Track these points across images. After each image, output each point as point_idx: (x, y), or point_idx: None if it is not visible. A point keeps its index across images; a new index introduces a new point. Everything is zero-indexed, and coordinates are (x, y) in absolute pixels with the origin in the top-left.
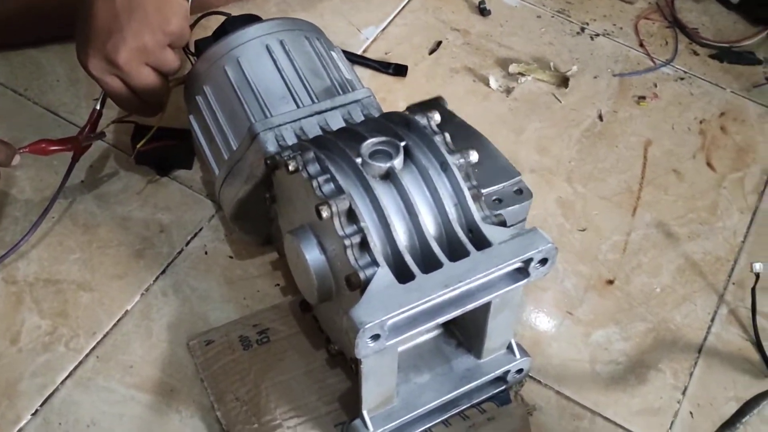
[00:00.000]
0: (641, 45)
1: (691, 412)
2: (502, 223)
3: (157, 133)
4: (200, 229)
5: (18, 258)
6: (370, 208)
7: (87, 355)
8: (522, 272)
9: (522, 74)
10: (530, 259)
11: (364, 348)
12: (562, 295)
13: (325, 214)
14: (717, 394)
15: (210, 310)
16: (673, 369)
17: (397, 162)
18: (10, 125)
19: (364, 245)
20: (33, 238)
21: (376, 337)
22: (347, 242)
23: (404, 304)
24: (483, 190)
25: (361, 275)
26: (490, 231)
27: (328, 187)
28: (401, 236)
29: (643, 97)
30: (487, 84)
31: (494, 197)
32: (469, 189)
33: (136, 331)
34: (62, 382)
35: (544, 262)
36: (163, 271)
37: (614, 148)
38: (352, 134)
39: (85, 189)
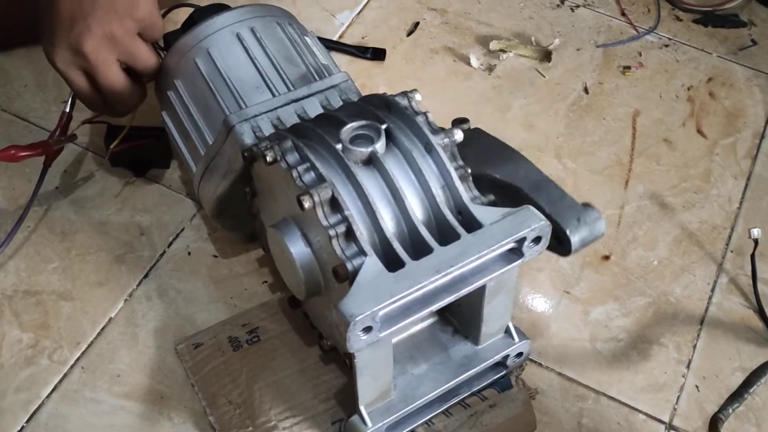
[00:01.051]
0: (623, 14)
1: (696, 386)
2: (493, 204)
3: (131, 133)
4: (182, 230)
5: None
6: (353, 195)
7: (72, 367)
8: (516, 252)
9: (503, 51)
10: (523, 239)
11: (357, 341)
12: (558, 274)
13: (307, 204)
14: (722, 366)
15: (197, 312)
16: (675, 342)
17: (379, 146)
18: None
19: (349, 234)
20: (8, 249)
21: (368, 330)
22: (332, 232)
23: (395, 293)
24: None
25: (349, 266)
26: (480, 212)
27: (308, 176)
28: (388, 223)
29: (628, 67)
30: (468, 63)
31: None
32: (456, 169)
33: (121, 338)
34: (48, 396)
35: (537, 240)
36: (146, 275)
37: (602, 121)
38: (330, 120)
39: (61, 195)
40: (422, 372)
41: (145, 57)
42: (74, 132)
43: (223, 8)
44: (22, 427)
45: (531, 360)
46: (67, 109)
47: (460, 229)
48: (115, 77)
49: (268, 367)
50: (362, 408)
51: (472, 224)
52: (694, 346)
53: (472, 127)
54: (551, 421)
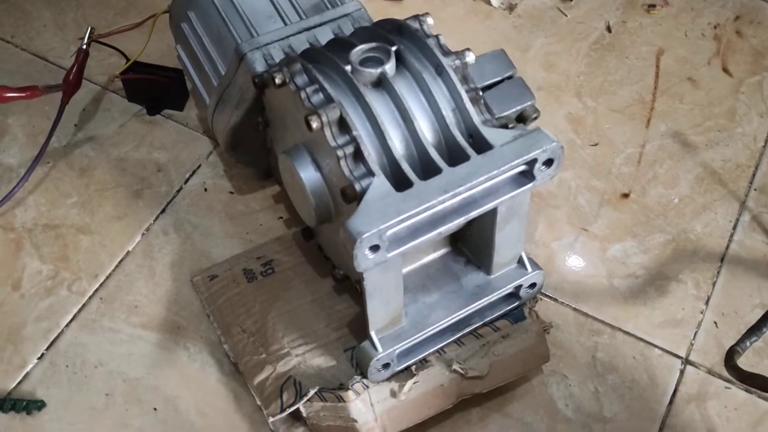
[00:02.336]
0: None
1: (715, 322)
2: (504, 126)
3: (148, 69)
4: (198, 167)
5: (15, 205)
6: (362, 116)
7: (90, 298)
8: (527, 175)
9: None
10: (534, 160)
11: (364, 260)
12: (576, 211)
13: (314, 124)
14: (742, 302)
15: (212, 246)
16: (694, 279)
17: (389, 67)
18: None
19: (358, 155)
20: (28, 184)
21: (375, 248)
22: (340, 153)
23: (402, 212)
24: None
25: (357, 186)
26: (491, 134)
27: (317, 98)
28: (397, 144)
29: (653, 5)
30: (489, 2)
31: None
32: (467, 92)
33: (138, 271)
34: (67, 325)
35: (549, 163)
36: (163, 210)
37: (624, 60)
38: (341, 44)
39: (79, 132)
40: (434, 300)
41: None
42: (59, 83)
43: None
44: (42, 354)
45: (546, 295)
46: (84, 46)
47: (469, 151)
48: None
49: (281, 297)
50: (373, 333)
51: (482, 146)
52: (714, 283)
53: None
54: (565, 354)
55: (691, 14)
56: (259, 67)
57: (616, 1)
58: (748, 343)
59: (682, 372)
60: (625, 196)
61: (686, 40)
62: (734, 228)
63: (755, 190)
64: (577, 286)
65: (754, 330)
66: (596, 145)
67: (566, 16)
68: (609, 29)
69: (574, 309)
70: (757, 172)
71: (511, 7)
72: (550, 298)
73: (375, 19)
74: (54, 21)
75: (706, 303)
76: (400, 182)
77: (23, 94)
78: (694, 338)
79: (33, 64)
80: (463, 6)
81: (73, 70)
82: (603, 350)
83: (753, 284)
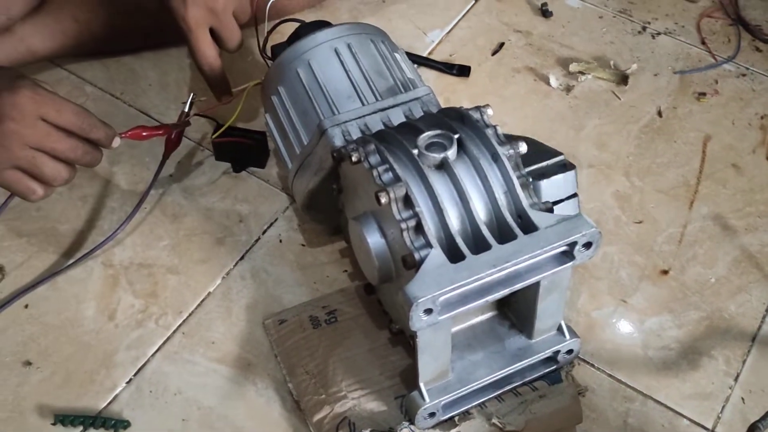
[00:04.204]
0: (703, 43)
1: (742, 398)
2: (550, 210)
3: (236, 132)
4: (276, 220)
5: (115, 244)
6: (425, 194)
7: (174, 332)
8: (568, 255)
9: (582, 73)
10: (575, 243)
11: (418, 321)
12: (617, 284)
13: (383, 200)
14: None
15: (284, 293)
16: (725, 356)
17: (451, 153)
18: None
19: (419, 228)
20: (128, 227)
21: (428, 311)
22: (404, 225)
23: (455, 282)
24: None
25: (416, 255)
26: (537, 216)
27: (387, 176)
28: (453, 221)
29: (704, 94)
30: (548, 83)
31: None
32: (518, 178)
33: (217, 310)
34: (153, 355)
35: (588, 245)
36: (242, 257)
37: (673, 143)
38: (410, 128)
39: (174, 182)
40: (478, 359)
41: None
42: (189, 119)
43: (324, 25)
44: (130, 380)
45: (584, 360)
46: (186, 109)
47: (517, 230)
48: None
49: (342, 344)
50: (422, 385)
51: (529, 227)
52: (744, 361)
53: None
54: (599, 417)
55: (740, 104)
56: (338, 141)
57: (668, 88)
58: None
59: None
60: (665, 272)
61: (733, 128)
62: (767, 311)
63: None
64: (613, 354)
65: None
66: (640, 222)
67: (620, 99)
68: (660, 114)
69: (609, 375)
70: None
71: (568, 89)
72: (588, 363)
73: (443, 96)
74: (158, 81)
75: (735, 379)
76: (455, 255)
77: (159, 132)
78: (721, 412)
79: (138, 119)
80: (524, 85)
81: (175, 132)
82: (634, 416)
83: None
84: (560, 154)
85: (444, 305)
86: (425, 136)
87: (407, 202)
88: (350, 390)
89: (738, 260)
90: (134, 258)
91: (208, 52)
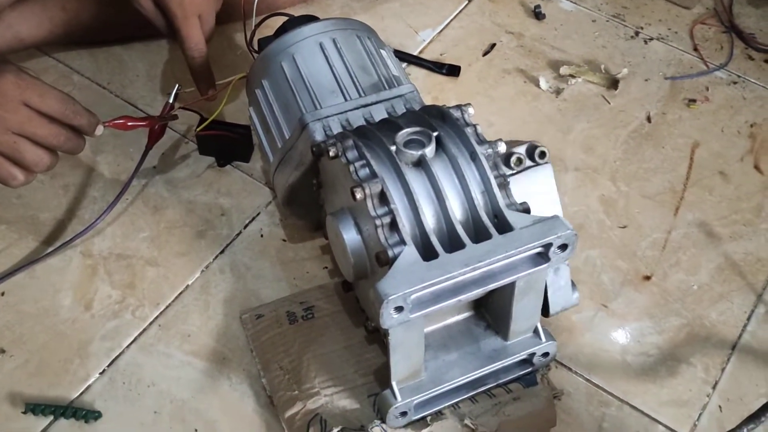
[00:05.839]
0: (695, 49)
1: (720, 406)
2: (527, 211)
3: (220, 126)
4: (258, 214)
5: (95, 234)
6: (401, 191)
7: (150, 323)
8: (543, 257)
9: (572, 76)
10: (550, 244)
11: (389, 318)
12: (598, 288)
13: (358, 195)
14: (748, 390)
15: (262, 287)
16: (704, 364)
17: (429, 150)
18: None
19: (393, 225)
20: (108, 217)
21: (399, 309)
22: (378, 222)
23: (426, 280)
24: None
25: (390, 253)
26: (513, 217)
27: (363, 172)
28: (429, 219)
29: (694, 100)
30: (538, 85)
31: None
32: (496, 177)
33: (195, 304)
34: (128, 346)
35: (564, 247)
36: (222, 251)
37: (660, 149)
38: (390, 125)
39: (157, 174)
40: (453, 359)
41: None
42: (175, 112)
43: (311, 19)
44: (104, 370)
45: (561, 364)
46: (171, 100)
47: (492, 230)
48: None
49: (317, 341)
50: (394, 383)
51: (504, 227)
52: (723, 369)
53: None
54: (573, 421)
55: (730, 111)
56: (319, 136)
57: (659, 94)
58: (745, 430)
59: None
60: (647, 278)
61: (722, 135)
62: (748, 319)
63: None
64: (591, 359)
65: (752, 418)
66: (625, 227)
67: (609, 103)
68: (649, 119)
69: (587, 380)
70: None
71: (558, 92)
72: (565, 367)
73: (431, 95)
74: (146, 72)
75: (714, 387)
76: (429, 253)
77: (143, 123)
78: (698, 419)
79: (123, 110)
80: (514, 86)
81: (158, 123)
82: (609, 421)
83: (761, 374)
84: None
85: (416, 303)
86: (404, 133)
87: (383, 198)
88: (323, 387)
89: (721, 268)
90: (113, 248)
91: (199, 39)
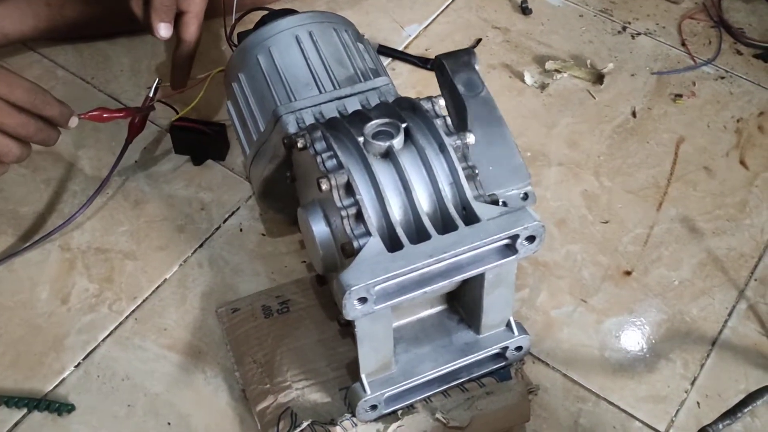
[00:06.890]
0: (683, 44)
1: (698, 402)
2: (495, 203)
3: (195, 121)
4: (237, 208)
5: (74, 228)
6: (367, 182)
7: (127, 317)
8: (510, 248)
9: (558, 71)
10: (517, 236)
11: (352, 310)
12: (578, 283)
13: (324, 186)
14: (727, 387)
15: (240, 281)
16: (684, 359)
17: (397, 142)
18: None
19: (359, 216)
20: (88, 211)
21: (363, 300)
22: (344, 213)
23: (390, 270)
24: (494, 192)
25: (355, 244)
26: (480, 208)
27: (330, 163)
28: (395, 210)
29: (680, 95)
30: (523, 80)
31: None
32: (464, 169)
33: (172, 297)
34: (103, 340)
35: (531, 239)
36: (201, 245)
37: (645, 144)
38: (361, 117)
39: (138, 168)
40: (424, 352)
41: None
42: (153, 103)
43: (289, 13)
44: (79, 364)
45: (538, 359)
46: (151, 95)
47: (459, 222)
48: None
49: (291, 335)
50: (363, 376)
51: (471, 219)
52: (702, 365)
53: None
54: (549, 417)
55: (716, 106)
56: (291, 128)
57: (645, 89)
58: (721, 425)
59: None
60: (628, 273)
61: (708, 130)
62: (729, 315)
63: (755, 280)
64: (569, 354)
65: (729, 414)
66: (607, 222)
67: (595, 98)
68: (634, 114)
69: (564, 375)
70: (759, 264)
71: (543, 86)
72: (542, 362)
73: (415, 89)
74: (130, 67)
75: (692, 383)
76: (394, 244)
77: (120, 114)
78: (675, 415)
79: (106, 104)
80: (499, 81)
81: (138, 116)
82: (586, 417)
83: (740, 370)
84: (527, 176)
85: (380, 294)
86: (372, 125)
87: (348, 189)
88: (295, 380)
89: (703, 263)
90: (92, 242)
91: (195, 33)
